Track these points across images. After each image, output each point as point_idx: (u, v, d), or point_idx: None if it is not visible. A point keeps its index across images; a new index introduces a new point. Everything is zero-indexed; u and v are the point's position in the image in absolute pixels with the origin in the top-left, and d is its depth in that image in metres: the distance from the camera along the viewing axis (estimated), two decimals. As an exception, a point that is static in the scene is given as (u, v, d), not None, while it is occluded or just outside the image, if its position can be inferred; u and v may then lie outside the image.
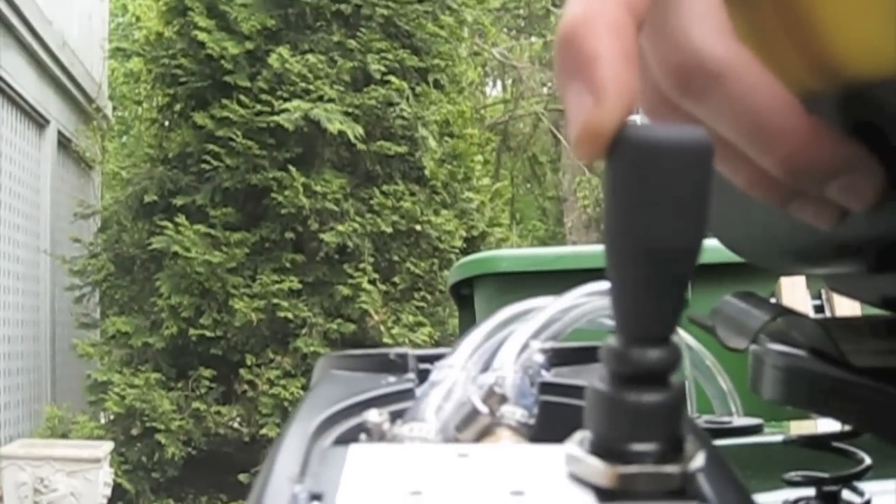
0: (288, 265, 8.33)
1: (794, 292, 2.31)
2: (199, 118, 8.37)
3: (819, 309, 2.34)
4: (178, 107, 8.94)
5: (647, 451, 0.37)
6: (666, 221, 0.34)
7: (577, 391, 0.54)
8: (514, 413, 0.52)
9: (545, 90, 17.39)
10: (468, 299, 2.70)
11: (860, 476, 0.72)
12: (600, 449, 0.38)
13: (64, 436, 8.32)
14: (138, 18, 13.01)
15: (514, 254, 2.69)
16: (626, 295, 0.36)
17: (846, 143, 0.40)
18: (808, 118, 0.40)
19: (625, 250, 0.35)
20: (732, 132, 0.40)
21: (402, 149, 8.50)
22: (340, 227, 8.23)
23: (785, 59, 0.40)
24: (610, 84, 0.34)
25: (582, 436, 0.39)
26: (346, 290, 8.26)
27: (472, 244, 9.07)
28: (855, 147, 0.41)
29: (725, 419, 0.88)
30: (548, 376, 0.59)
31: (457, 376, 0.57)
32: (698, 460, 0.38)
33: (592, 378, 0.38)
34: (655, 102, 0.42)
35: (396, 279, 8.58)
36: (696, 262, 0.35)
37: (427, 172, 8.69)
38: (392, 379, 0.59)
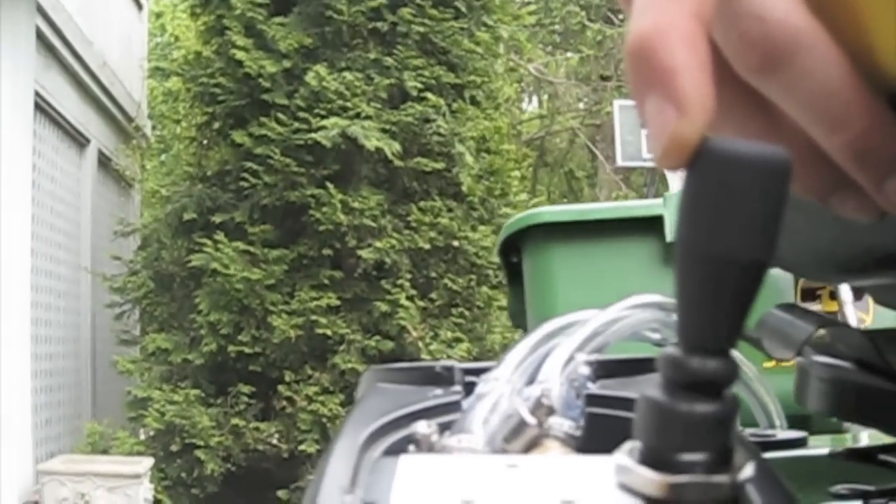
0: (326, 282, 8.36)
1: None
2: (238, 136, 8.43)
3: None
4: (216, 125, 9.01)
5: (696, 461, 0.37)
6: (741, 234, 0.34)
7: (623, 403, 0.54)
8: (561, 424, 0.52)
9: (581, 105, 17.38)
10: (517, 271, 2.72)
11: (907, 489, 0.72)
12: (650, 459, 0.38)
13: (104, 452, 8.38)
14: (177, 38, 13.13)
15: (553, 209, 2.76)
16: (691, 304, 0.36)
17: None
18: (879, 102, 0.40)
19: (696, 259, 0.35)
20: (802, 109, 0.40)
21: (440, 165, 8.51)
22: (378, 244, 8.24)
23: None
24: (693, 95, 0.35)
25: (631, 445, 0.39)
26: (384, 307, 8.28)
27: (509, 260, 9.05)
28: None
29: (770, 432, 0.87)
30: (594, 388, 0.59)
31: (502, 389, 0.57)
32: (748, 470, 0.38)
33: (644, 387, 0.38)
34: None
35: (434, 295, 8.58)
36: (764, 279, 0.35)
37: (464, 188, 8.69)
38: (439, 391, 0.59)
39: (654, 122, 0.36)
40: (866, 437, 1.02)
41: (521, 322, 2.80)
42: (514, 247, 2.71)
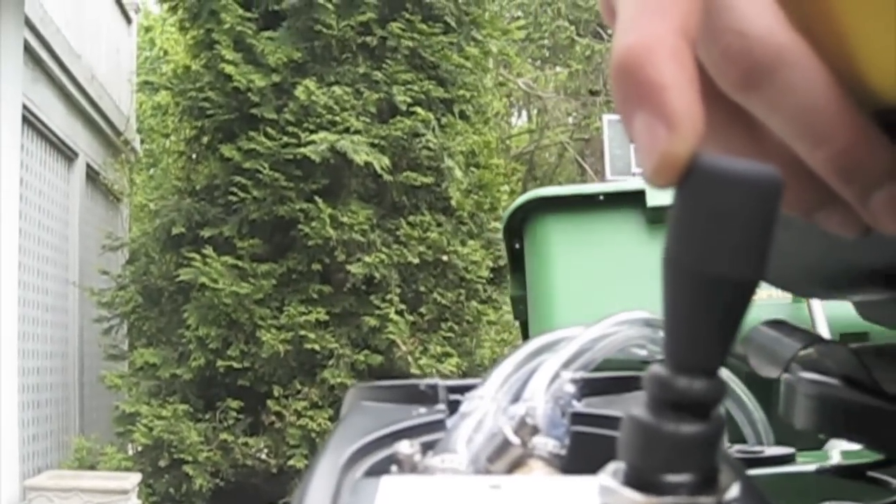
0: (315, 296, 8.35)
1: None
2: (227, 150, 8.42)
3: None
4: (205, 139, 9.00)
5: (681, 482, 0.36)
6: (730, 252, 0.33)
7: (608, 421, 0.54)
8: (545, 444, 0.52)
9: (570, 119, 17.42)
10: (520, 257, 2.84)
11: (896, 506, 0.71)
12: (634, 480, 0.37)
13: (92, 467, 8.35)
14: (166, 52, 13.16)
15: (551, 188, 3.02)
16: (680, 322, 0.36)
17: None
18: (863, 117, 0.39)
19: (684, 277, 0.34)
20: (785, 125, 0.40)
21: (429, 179, 8.52)
22: (367, 258, 8.24)
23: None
24: (682, 111, 0.35)
25: (615, 466, 0.39)
26: (373, 321, 8.27)
27: (498, 274, 9.07)
28: None
29: (757, 448, 0.87)
30: (579, 406, 0.58)
31: (487, 407, 0.57)
32: (732, 491, 0.38)
33: (629, 407, 0.38)
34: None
35: (423, 310, 8.58)
36: (752, 297, 0.35)
37: (453, 203, 8.70)
38: (422, 410, 0.59)
39: (644, 140, 0.35)
40: (837, 453, 1.02)
41: (520, 310, 2.91)
42: (517, 229, 2.85)
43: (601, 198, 2.84)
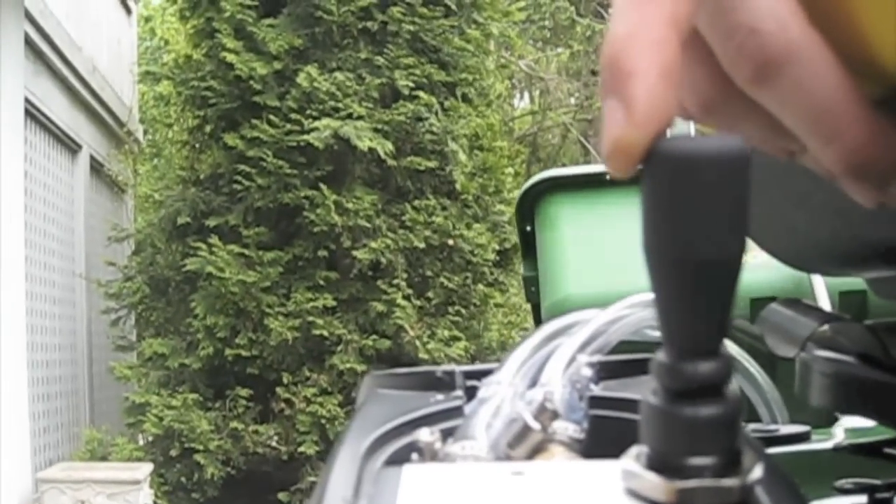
0: (322, 283, 8.35)
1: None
2: (230, 139, 8.41)
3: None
4: (208, 128, 8.99)
5: (704, 465, 0.36)
6: (705, 233, 0.33)
7: (626, 404, 0.54)
8: (566, 429, 0.52)
9: (573, 100, 17.38)
10: (531, 241, 2.85)
11: (913, 483, 0.71)
12: (657, 464, 0.37)
13: (103, 458, 8.37)
14: (167, 42, 13.13)
15: (559, 170, 3.11)
16: (671, 310, 0.35)
17: None
18: (874, 112, 0.39)
19: (666, 265, 0.34)
20: (797, 121, 0.39)
21: (433, 163, 8.51)
22: (373, 244, 8.24)
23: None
24: (643, 100, 0.35)
25: (638, 451, 0.39)
26: (380, 307, 8.27)
27: (504, 257, 9.07)
28: None
29: (772, 427, 0.87)
30: (596, 390, 0.58)
31: (505, 392, 0.57)
32: (756, 472, 0.37)
33: (646, 392, 0.38)
34: (712, 97, 0.42)
35: (430, 294, 8.58)
36: (740, 272, 0.34)
37: (458, 186, 8.69)
38: (440, 397, 0.59)
39: (605, 126, 0.36)
40: (842, 431, 1.02)
41: (531, 293, 2.93)
42: (527, 211, 2.88)
43: (608, 177, 2.83)
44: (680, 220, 0.33)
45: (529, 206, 2.88)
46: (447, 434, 0.52)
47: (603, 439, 0.52)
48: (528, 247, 2.93)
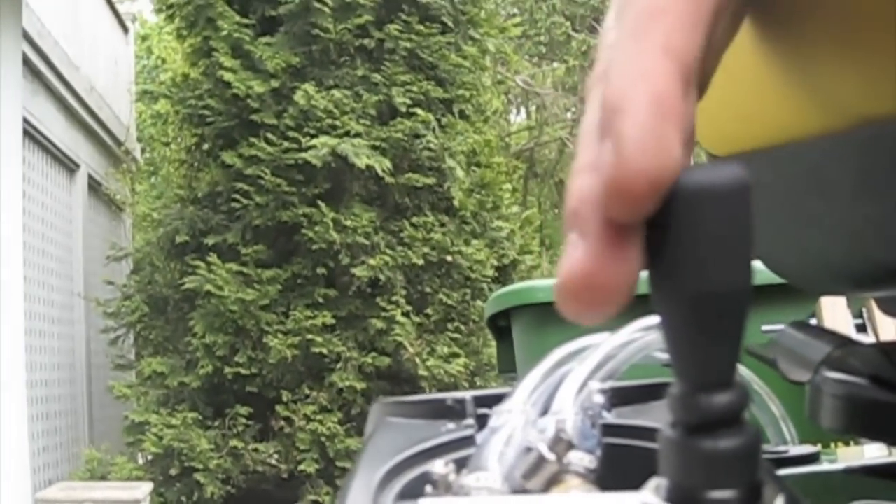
0: (321, 300, 8.34)
1: (836, 312, 2.28)
2: (228, 157, 8.42)
3: (861, 328, 2.32)
4: (206, 147, 9.00)
5: (725, 498, 0.36)
6: (711, 265, 0.33)
7: (640, 432, 0.53)
8: (581, 459, 0.51)
9: (569, 115, 17.39)
10: (506, 331, 2.70)
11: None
12: (677, 497, 0.37)
13: (103, 478, 8.35)
14: (164, 61, 13.15)
15: (551, 284, 2.71)
16: (682, 343, 0.35)
17: None
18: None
19: (674, 299, 0.34)
20: None
21: (431, 180, 8.51)
22: (372, 261, 8.23)
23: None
24: (630, 135, 0.33)
25: (657, 483, 0.38)
26: (379, 324, 8.26)
27: (503, 273, 9.06)
28: None
29: (782, 448, 0.86)
30: (609, 417, 0.58)
31: (516, 421, 0.56)
32: (777, 504, 0.37)
33: (663, 424, 0.37)
34: None
35: (429, 311, 8.57)
36: (748, 301, 0.34)
37: (456, 203, 8.70)
38: (451, 425, 0.58)
39: (602, 169, 0.34)
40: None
41: (510, 372, 2.75)
42: (503, 315, 2.67)
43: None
44: (685, 253, 0.33)
45: (503, 315, 2.70)
46: (460, 464, 0.52)
47: (617, 468, 0.52)
48: (503, 336, 2.77)
